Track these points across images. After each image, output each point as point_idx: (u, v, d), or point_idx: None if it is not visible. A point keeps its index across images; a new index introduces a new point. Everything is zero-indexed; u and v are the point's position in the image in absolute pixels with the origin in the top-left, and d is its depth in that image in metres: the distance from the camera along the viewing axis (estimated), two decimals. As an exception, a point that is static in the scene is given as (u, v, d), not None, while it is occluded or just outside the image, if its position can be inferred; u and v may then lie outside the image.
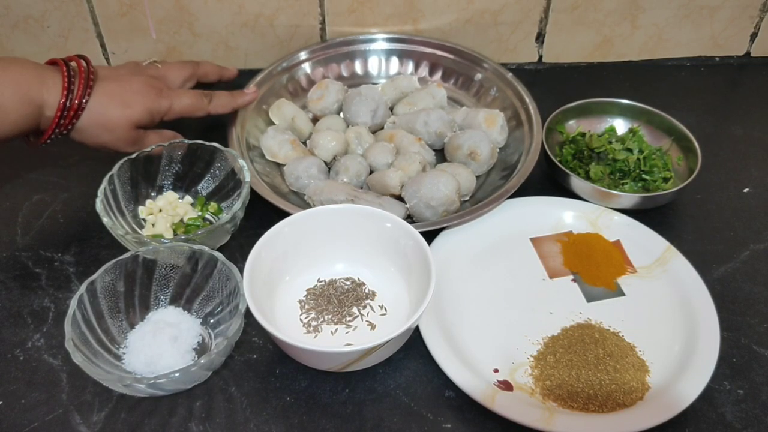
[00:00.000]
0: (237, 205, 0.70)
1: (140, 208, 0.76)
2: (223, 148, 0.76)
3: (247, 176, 0.73)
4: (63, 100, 0.68)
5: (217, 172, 0.78)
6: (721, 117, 0.94)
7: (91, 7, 0.92)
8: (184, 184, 0.78)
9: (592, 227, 0.76)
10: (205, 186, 0.79)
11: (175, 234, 0.74)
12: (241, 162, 0.74)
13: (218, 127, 0.82)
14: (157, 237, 0.72)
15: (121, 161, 0.73)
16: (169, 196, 0.77)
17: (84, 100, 0.70)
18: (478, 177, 0.81)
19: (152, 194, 0.77)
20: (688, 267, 0.71)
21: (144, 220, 0.76)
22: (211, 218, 0.77)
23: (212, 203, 0.78)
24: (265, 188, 0.75)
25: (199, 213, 0.77)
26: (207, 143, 0.76)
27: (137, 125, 0.73)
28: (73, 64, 0.72)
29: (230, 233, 0.73)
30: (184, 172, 0.78)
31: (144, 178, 0.76)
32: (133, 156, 0.74)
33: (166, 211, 0.76)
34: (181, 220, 0.76)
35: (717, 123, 0.93)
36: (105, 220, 0.68)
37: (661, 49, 1.01)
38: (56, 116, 0.68)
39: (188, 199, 0.78)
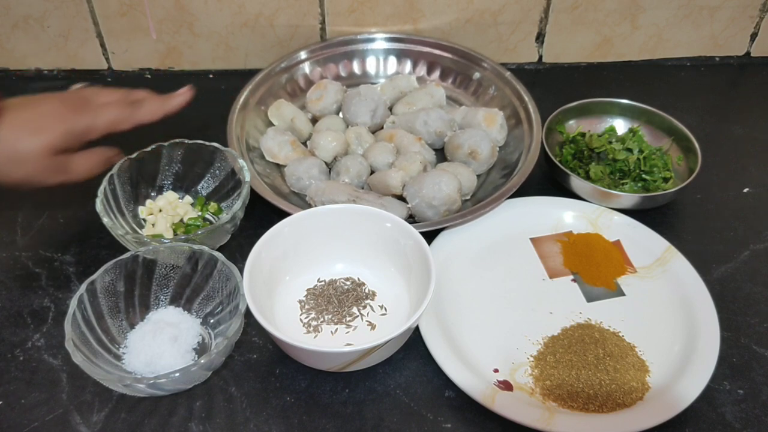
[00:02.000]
0: (237, 205, 0.70)
1: (140, 208, 0.76)
2: (223, 148, 0.76)
3: (247, 176, 0.73)
4: None
5: (217, 172, 0.78)
6: (721, 117, 0.94)
7: (91, 7, 0.92)
8: (184, 184, 0.78)
9: (592, 227, 0.76)
10: (205, 186, 0.79)
11: (175, 234, 0.74)
12: (241, 162, 0.74)
13: (218, 127, 0.82)
14: (157, 237, 0.72)
15: (121, 161, 0.73)
16: (169, 196, 0.77)
17: None
18: (478, 176, 0.81)
19: (152, 194, 0.77)
20: (688, 267, 0.71)
21: (144, 220, 0.76)
22: (211, 218, 0.77)
23: (212, 203, 0.78)
24: (265, 189, 0.75)
25: (199, 213, 0.77)
26: (207, 143, 0.76)
27: (55, 151, 0.65)
28: None
29: (230, 233, 0.73)
30: (184, 172, 0.78)
31: (144, 178, 0.76)
32: (134, 156, 0.74)
33: (166, 211, 0.76)
34: (181, 220, 0.76)
35: (717, 123, 0.93)
36: (105, 220, 0.68)
37: (661, 49, 1.01)
38: None
39: (188, 199, 0.78)
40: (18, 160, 0.63)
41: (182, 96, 0.74)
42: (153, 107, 0.72)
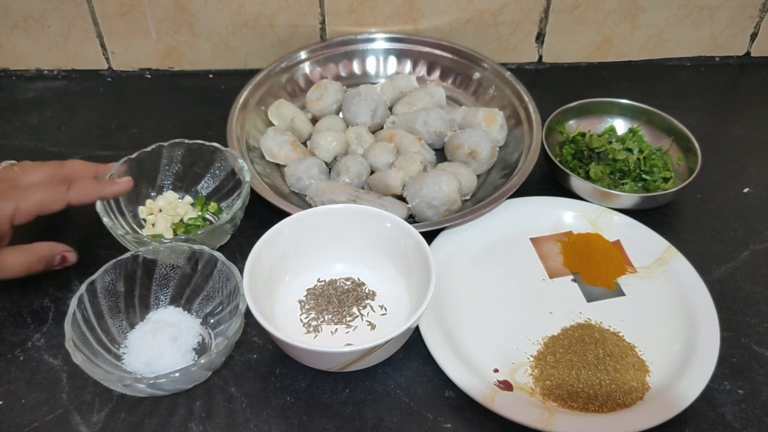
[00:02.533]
0: (237, 205, 0.70)
1: (140, 208, 0.76)
2: (223, 148, 0.76)
3: (247, 176, 0.73)
4: None
5: (217, 172, 0.78)
6: (721, 117, 0.94)
7: (91, 7, 0.92)
8: (184, 184, 0.78)
9: (592, 227, 0.76)
10: (205, 186, 0.79)
11: (175, 234, 0.74)
12: (241, 162, 0.74)
13: (218, 127, 0.82)
14: (157, 237, 0.72)
15: (122, 161, 0.73)
16: (169, 196, 0.77)
17: None
18: (478, 176, 0.81)
19: (152, 194, 0.77)
20: (688, 267, 0.71)
21: (144, 220, 0.76)
22: (211, 218, 0.77)
23: (212, 203, 0.78)
24: (265, 189, 0.75)
25: (199, 213, 0.77)
26: (207, 143, 0.76)
27: None
28: None
29: (230, 233, 0.73)
30: (184, 172, 0.78)
31: (144, 178, 0.76)
32: (134, 156, 0.74)
33: (166, 211, 0.76)
34: (181, 220, 0.76)
35: (717, 123, 0.93)
36: (105, 220, 0.68)
37: (661, 49, 1.01)
38: None
39: (188, 199, 0.78)
40: None
41: (122, 185, 0.70)
42: (87, 190, 0.67)
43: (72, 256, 0.68)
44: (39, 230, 0.77)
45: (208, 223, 0.76)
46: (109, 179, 0.70)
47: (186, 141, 0.76)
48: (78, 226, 0.77)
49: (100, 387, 0.61)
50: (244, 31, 0.96)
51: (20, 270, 0.64)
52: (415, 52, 0.94)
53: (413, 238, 0.65)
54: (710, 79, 1.01)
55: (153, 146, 0.75)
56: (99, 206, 0.68)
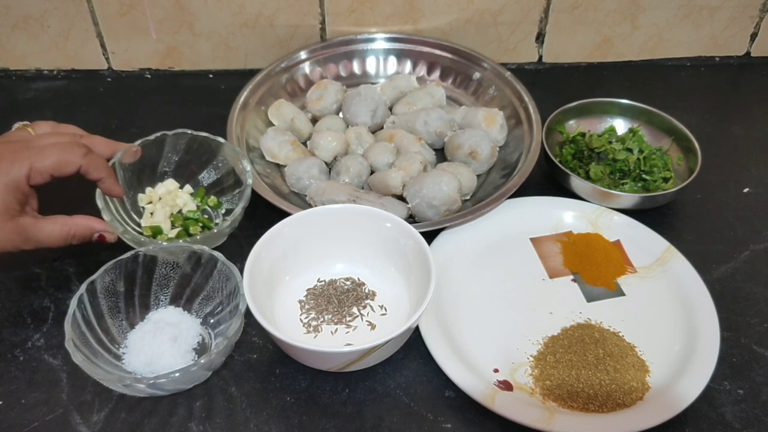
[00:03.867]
0: (237, 210, 0.70)
1: (140, 196, 0.76)
2: (227, 143, 0.76)
3: (249, 179, 0.72)
4: None
5: (220, 165, 0.78)
6: (721, 117, 0.94)
7: (91, 7, 0.92)
8: (186, 173, 0.78)
9: (592, 227, 0.76)
10: (206, 177, 0.78)
11: (173, 226, 0.74)
12: (245, 163, 0.74)
13: (218, 127, 0.82)
14: (155, 228, 0.72)
15: (122, 151, 0.72)
16: (169, 185, 0.77)
17: None
18: (478, 176, 0.81)
19: (153, 182, 0.77)
20: (688, 267, 0.71)
21: (143, 208, 0.76)
22: (209, 211, 0.77)
23: (212, 197, 0.78)
24: (265, 189, 0.75)
25: (198, 204, 0.77)
26: (212, 136, 0.76)
27: (2, 213, 0.59)
28: None
29: (228, 234, 0.73)
30: (187, 162, 0.78)
31: (146, 165, 0.75)
32: (138, 143, 0.73)
33: (165, 201, 0.76)
34: (180, 212, 0.76)
35: (717, 123, 0.93)
36: (105, 216, 0.68)
37: (661, 49, 1.01)
38: None
39: (188, 188, 0.78)
40: None
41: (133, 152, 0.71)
42: (102, 160, 0.66)
43: (111, 237, 0.66)
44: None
45: (206, 217, 0.76)
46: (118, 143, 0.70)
47: (190, 132, 0.76)
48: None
49: (100, 387, 0.61)
50: (244, 31, 0.96)
51: (57, 241, 0.64)
52: (415, 52, 0.94)
53: (413, 238, 0.65)
54: (710, 79, 1.01)
55: (158, 134, 0.74)
56: (100, 202, 0.68)
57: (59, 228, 0.63)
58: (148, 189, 0.76)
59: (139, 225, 0.74)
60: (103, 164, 0.66)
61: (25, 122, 0.68)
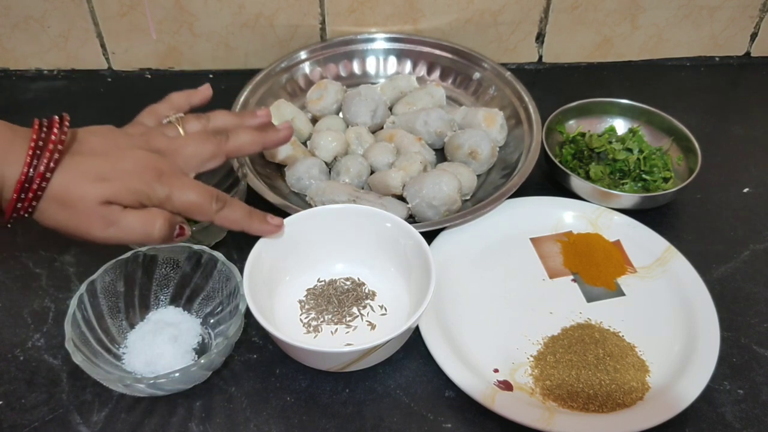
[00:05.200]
0: None
1: None
2: None
3: (243, 174, 0.72)
4: (22, 178, 0.52)
5: (217, 168, 0.77)
6: (721, 117, 0.94)
7: (91, 7, 0.93)
8: None
9: (592, 227, 0.76)
10: (204, 182, 0.78)
11: None
12: (238, 161, 0.74)
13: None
14: None
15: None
16: None
17: (47, 177, 0.53)
18: (478, 176, 0.81)
19: None
20: (688, 267, 0.71)
21: None
22: None
23: None
24: (265, 189, 0.75)
25: None
26: None
27: (109, 201, 0.55)
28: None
29: (226, 230, 0.73)
30: None
31: None
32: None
33: None
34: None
35: (717, 123, 0.93)
36: None
37: (661, 49, 1.01)
38: (13, 198, 0.53)
39: None
40: (64, 203, 0.54)
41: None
42: (238, 215, 0.61)
43: (187, 229, 0.60)
44: (36, 230, 0.77)
45: None
46: (266, 214, 0.64)
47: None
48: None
49: (100, 387, 0.61)
50: (244, 31, 0.96)
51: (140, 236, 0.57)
52: (415, 52, 0.94)
53: (413, 238, 0.65)
54: (710, 79, 1.01)
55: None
56: None
57: (141, 218, 0.57)
58: None
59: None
60: (239, 219, 0.62)
61: (180, 115, 0.64)
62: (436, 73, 0.94)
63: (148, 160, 0.57)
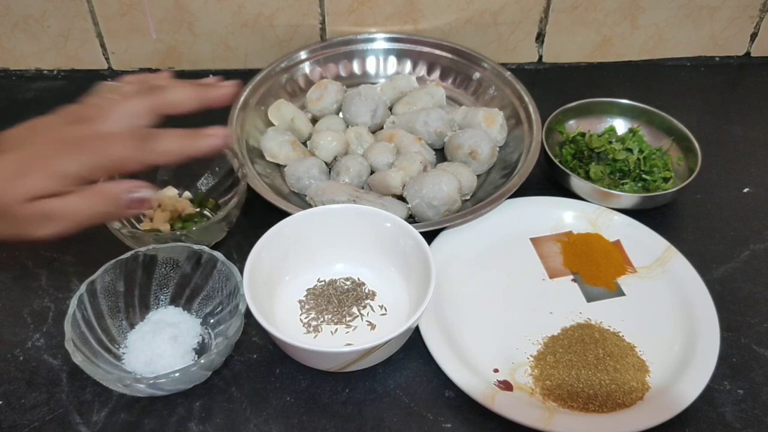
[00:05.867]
0: (233, 203, 0.70)
1: None
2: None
3: (243, 174, 0.72)
4: None
5: (217, 168, 0.78)
6: (721, 117, 0.94)
7: (91, 7, 0.93)
8: (184, 180, 0.78)
9: (592, 227, 0.76)
10: (205, 183, 0.78)
11: (171, 229, 0.74)
12: (239, 161, 0.74)
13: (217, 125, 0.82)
14: (154, 230, 0.72)
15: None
16: (169, 192, 0.77)
17: None
18: (478, 176, 0.81)
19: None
20: (688, 267, 0.71)
21: (143, 214, 0.76)
22: (209, 214, 0.77)
23: (210, 200, 0.78)
24: (265, 189, 0.75)
25: (197, 209, 0.77)
26: None
27: (35, 196, 0.49)
28: None
29: (226, 230, 0.73)
30: (185, 168, 0.77)
31: (144, 174, 0.75)
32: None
33: (164, 206, 0.76)
34: (179, 216, 0.76)
35: (717, 123, 0.93)
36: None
37: (661, 49, 1.01)
38: None
39: (187, 194, 0.78)
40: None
41: (216, 138, 0.58)
42: (173, 144, 0.56)
43: (145, 191, 0.53)
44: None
45: (205, 219, 0.76)
46: (201, 130, 0.57)
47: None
48: (78, 226, 0.77)
49: (100, 387, 0.61)
50: (244, 31, 0.96)
51: (81, 218, 0.52)
52: (415, 52, 0.94)
53: (413, 238, 0.65)
54: (710, 79, 1.01)
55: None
56: None
57: (84, 199, 0.51)
58: None
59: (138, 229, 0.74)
60: (177, 148, 0.56)
61: (113, 82, 0.58)
62: (436, 73, 0.94)
63: (62, 138, 0.51)
